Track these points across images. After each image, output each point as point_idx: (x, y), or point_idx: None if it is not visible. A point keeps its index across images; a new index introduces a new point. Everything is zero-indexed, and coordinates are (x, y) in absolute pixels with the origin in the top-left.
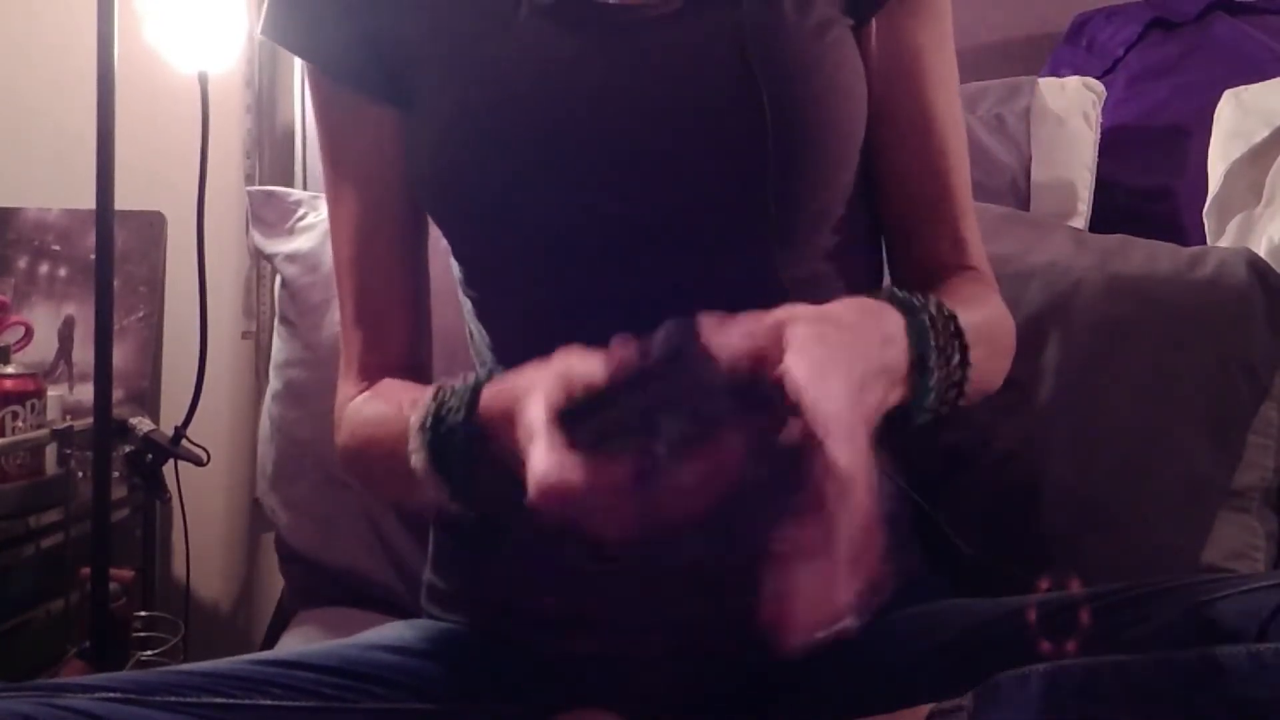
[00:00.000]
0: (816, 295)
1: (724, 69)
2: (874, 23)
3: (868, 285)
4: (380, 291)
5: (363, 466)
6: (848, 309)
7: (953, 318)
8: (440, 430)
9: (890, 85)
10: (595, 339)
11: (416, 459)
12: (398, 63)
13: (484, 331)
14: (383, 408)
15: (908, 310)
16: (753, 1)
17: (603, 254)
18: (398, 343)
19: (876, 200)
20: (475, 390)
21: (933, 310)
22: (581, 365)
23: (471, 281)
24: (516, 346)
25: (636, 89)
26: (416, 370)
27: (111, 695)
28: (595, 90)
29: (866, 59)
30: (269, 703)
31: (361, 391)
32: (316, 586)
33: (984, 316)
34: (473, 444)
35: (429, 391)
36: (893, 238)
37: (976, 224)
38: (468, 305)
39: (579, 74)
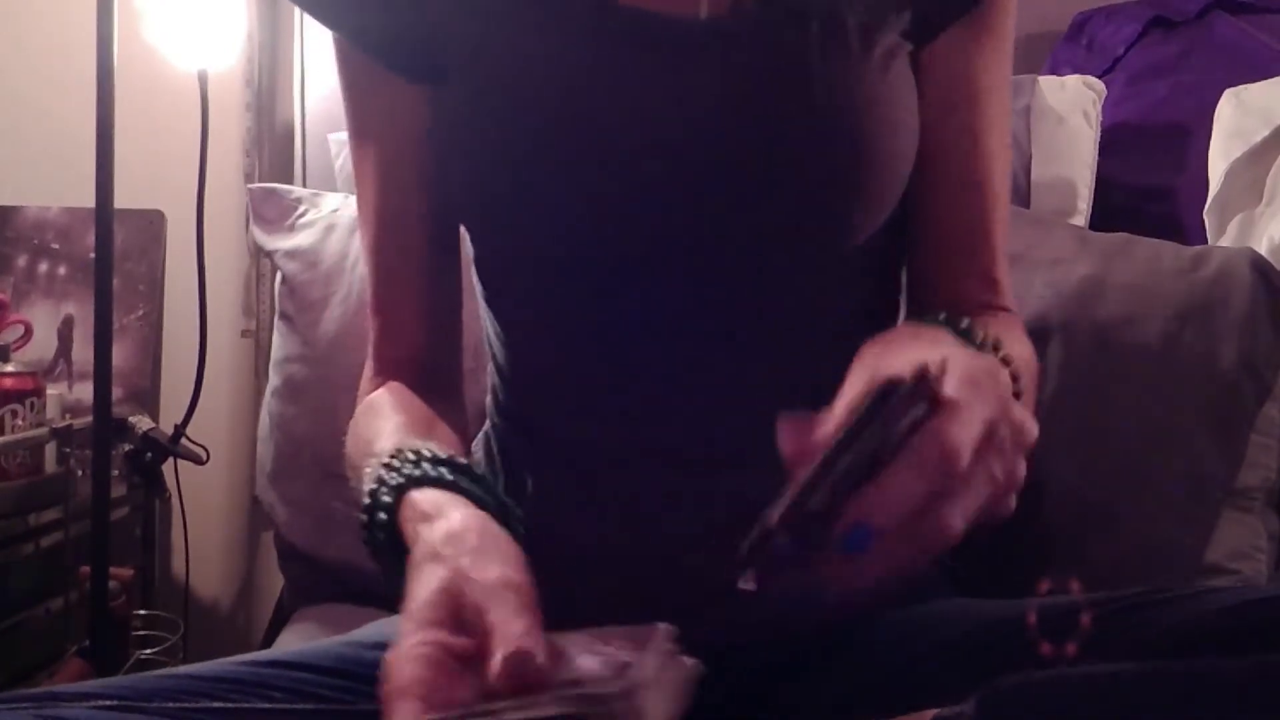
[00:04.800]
0: (835, 321)
1: (785, 101)
2: (933, 47)
3: (881, 308)
4: (398, 281)
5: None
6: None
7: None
8: (370, 525)
9: (942, 114)
10: (604, 353)
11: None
12: (430, 44)
13: (498, 329)
14: (364, 432)
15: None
16: (819, 27)
17: (623, 270)
18: (411, 338)
19: (908, 230)
20: (400, 493)
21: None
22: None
23: (490, 283)
24: (528, 355)
25: (685, 111)
26: (431, 370)
27: (107, 703)
28: (636, 108)
29: (922, 86)
30: (267, 706)
31: (375, 388)
32: (315, 583)
33: (1024, 355)
34: (394, 547)
35: (379, 459)
36: (921, 271)
37: (1008, 265)
38: (479, 289)
39: (623, 90)
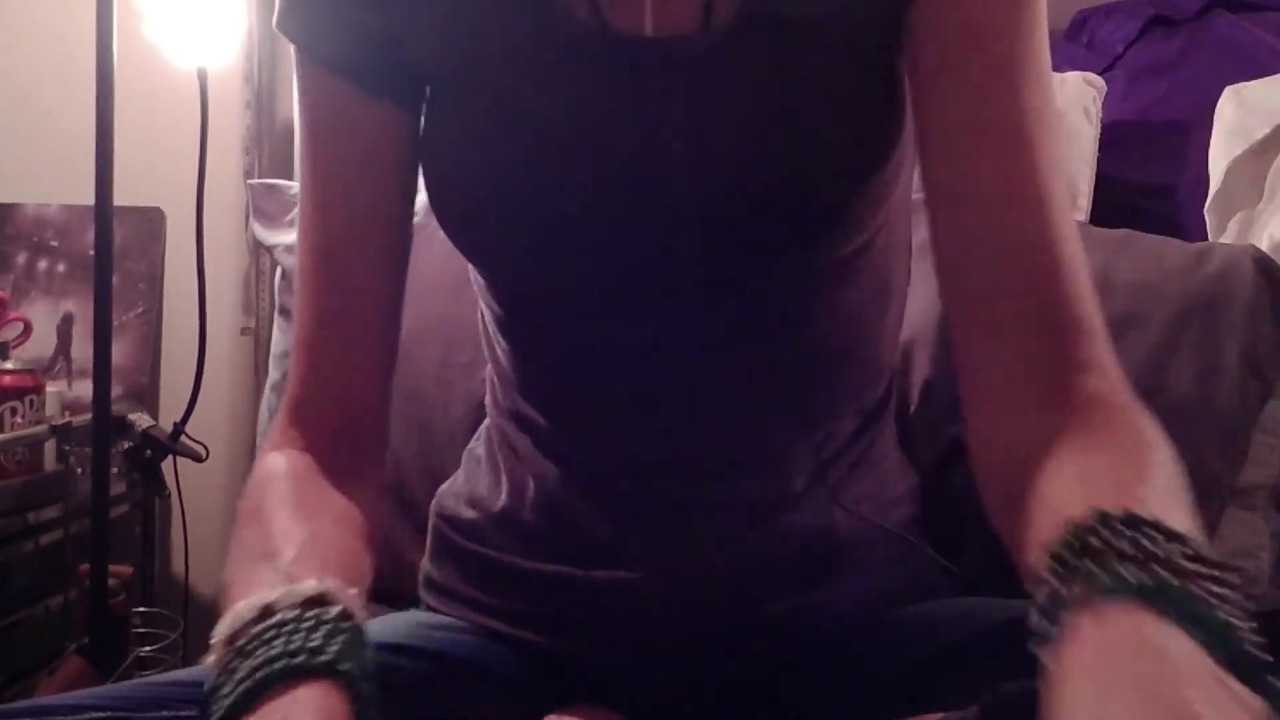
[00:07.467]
0: (827, 325)
1: (762, 119)
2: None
3: (880, 312)
4: (337, 310)
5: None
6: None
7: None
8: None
9: (952, 84)
10: (608, 368)
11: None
12: (406, 66)
13: (498, 336)
14: (254, 538)
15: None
16: (798, 39)
17: (623, 288)
18: (341, 382)
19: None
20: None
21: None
22: None
23: (491, 300)
24: (532, 365)
25: (665, 135)
26: (368, 420)
27: (99, 715)
28: (618, 132)
29: (915, 69)
30: None
31: (286, 444)
32: None
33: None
34: None
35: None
36: (970, 357)
37: (1104, 326)
38: (481, 298)
39: (604, 115)
